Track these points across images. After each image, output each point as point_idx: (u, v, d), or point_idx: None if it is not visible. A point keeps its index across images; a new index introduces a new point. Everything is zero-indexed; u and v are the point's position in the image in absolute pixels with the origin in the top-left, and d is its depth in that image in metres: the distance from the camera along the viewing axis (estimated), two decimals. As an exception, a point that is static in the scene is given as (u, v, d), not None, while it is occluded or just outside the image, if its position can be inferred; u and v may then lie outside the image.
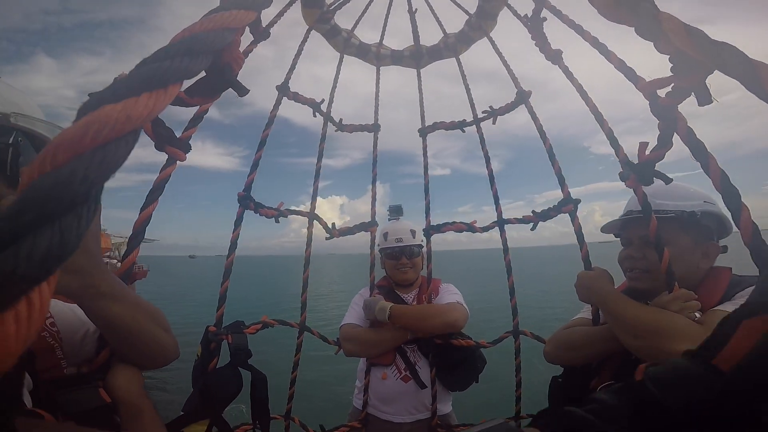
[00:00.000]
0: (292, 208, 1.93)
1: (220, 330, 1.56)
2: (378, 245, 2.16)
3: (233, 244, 1.62)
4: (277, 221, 1.82)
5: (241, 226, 1.68)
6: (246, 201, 1.68)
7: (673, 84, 0.86)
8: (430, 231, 2.03)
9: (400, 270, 2.08)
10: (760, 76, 0.53)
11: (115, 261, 22.63)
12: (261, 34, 1.59)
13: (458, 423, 1.99)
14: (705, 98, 0.80)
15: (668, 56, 0.80)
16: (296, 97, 2.01)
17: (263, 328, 1.69)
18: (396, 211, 2.29)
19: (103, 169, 0.28)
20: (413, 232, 2.14)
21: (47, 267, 0.24)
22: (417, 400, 1.91)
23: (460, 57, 2.25)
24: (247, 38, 1.56)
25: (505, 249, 1.99)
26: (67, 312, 0.90)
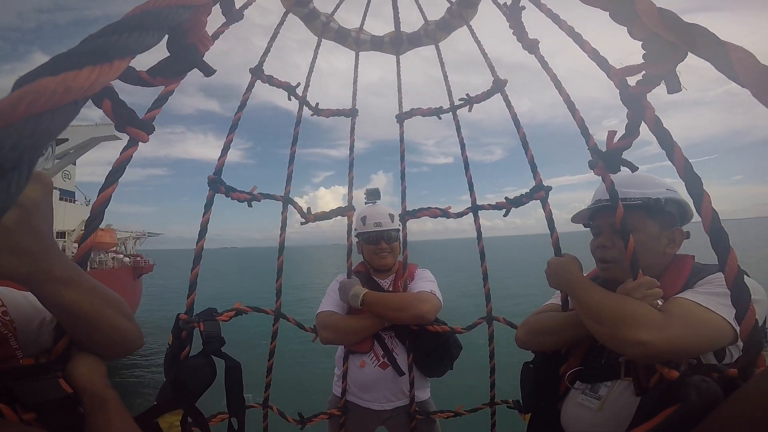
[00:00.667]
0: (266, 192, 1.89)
1: (191, 318, 1.52)
2: (355, 230, 2.14)
3: (203, 229, 1.58)
4: (249, 205, 1.77)
5: (212, 210, 1.64)
6: (216, 184, 1.64)
7: (643, 72, 0.87)
8: (405, 216, 2.03)
9: (379, 255, 2.07)
10: (731, 58, 0.54)
11: (122, 256, 21.89)
12: (233, 15, 1.52)
13: (436, 410, 2.02)
14: (675, 86, 0.82)
15: (641, 42, 0.81)
16: (270, 80, 1.96)
17: (236, 315, 1.66)
18: (373, 195, 2.26)
19: (37, 137, 0.29)
20: (392, 216, 2.13)
21: None
22: (396, 387, 1.92)
23: (440, 44, 2.23)
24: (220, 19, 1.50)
25: (479, 235, 2.02)
26: (20, 300, 0.85)
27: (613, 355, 1.20)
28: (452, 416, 1.99)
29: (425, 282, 2.00)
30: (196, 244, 1.55)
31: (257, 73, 1.91)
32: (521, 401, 1.70)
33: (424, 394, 2.03)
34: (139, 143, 1.00)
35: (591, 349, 1.30)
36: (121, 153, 1.01)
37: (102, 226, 1.02)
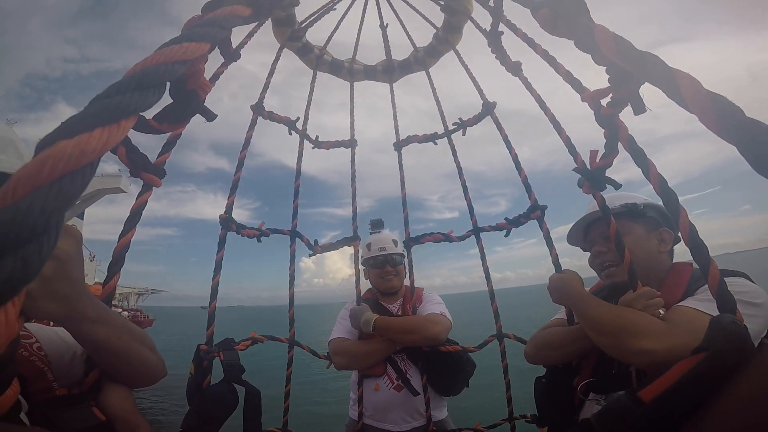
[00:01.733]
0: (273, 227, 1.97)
1: (211, 348, 1.58)
2: (362, 257, 2.21)
3: (218, 266, 1.65)
4: (259, 240, 1.85)
5: (225, 248, 1.72)
6: (227, 223, 1.72)
7: (611, 94, 0.92)
8: (410, 243, 2.08)
9: (384, 279, 2.13)
10: (679, 85, 0.57)
11: (120, 310, 22.19)
12: (231, 55, 1.61)
13: (454, 428, 2.02)
14: (639, 108, 0.87)
15: (605, 68, 0.86)
16: (271, 116, 2.05)
17: (253, 344, 1.72)
18: (377, 225, 2.34)
19: (60, 200, 0.31)
20: (395, 242, 2.21)
21: (11, 290, 0.28)
22: (412, 408, 1.93)
23: (430, 70, 2.31)
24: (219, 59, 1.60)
25: (483, 257, 2.05)
26: (52, 336, 0.93)
27: (623, 365, 1.21)
28: (472, 434, 1.98)
29: (434, 304, 2.02)
30: (212, 279, 1.63)
31: (258, 110, 2.01)
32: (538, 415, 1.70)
33: (441, 413, 2.03)
34: (153, 188, 1.06)
35: (601, 360, 1.31)
36: (136, 199, 1.06)
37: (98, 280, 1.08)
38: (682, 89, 0.58)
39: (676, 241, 1.33)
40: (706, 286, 1.12)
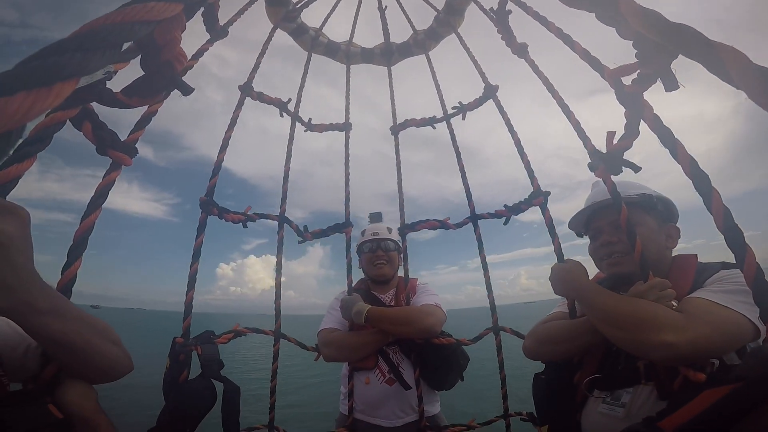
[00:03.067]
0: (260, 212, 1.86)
1: (188, 341, 1.49)
2: (356, 245, 2.15)
3: (196, 252, 1.55)
4: (244, 226, 1.75)
5: (204, 232, 1.61)
6: (208, 206, 1.62)
7: (638, 71, 0.85)
8: (405, 230, 2.01)
9: (375, 264, 2.07)
10: (721, 57, 0.51)
11: None
12: (218, 32, 1.51)
13: (447, 424, 1.96)
14: (672, 84, 0.79)
15: (631, 42, 0.79)
16: (261, 97, 1.95)
17: (235, 337, 1.63)
18: (375, 218, 2.30)
19: None
20: (389, 230, 2.16)
21: None
22: (404, 402, 1.87)
23: (430, 53, 2.23)
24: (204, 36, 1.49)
25: (480, 245, 1.98)
26: (3, 327, 0.85)
27: (630, 360, 1.16)
28: (464, 430, 1.92)
29: (429, 295, 1.96)
30: (190, 267, 1.52)
31: (246, 90, 1.90)
32: (535, 413, 1.64)
33: (433, 408, 1.97)
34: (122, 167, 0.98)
35: (606, 355, 1.25)
36: (103, 178, 0.98)
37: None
38: (728, 63, 0.51)
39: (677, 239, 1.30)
40: (718, 276, 1.10)
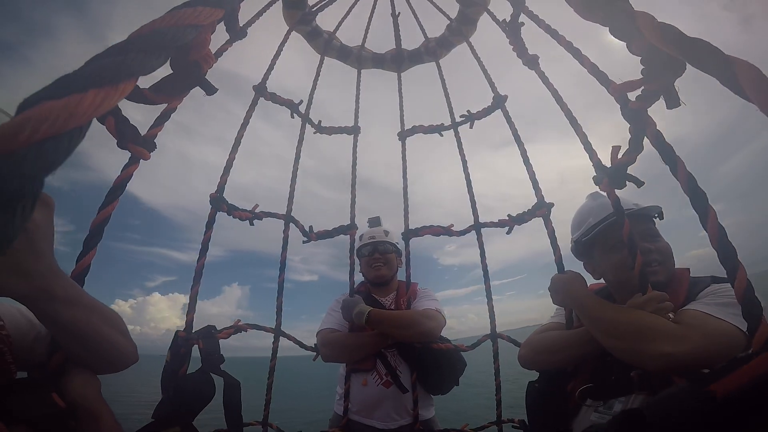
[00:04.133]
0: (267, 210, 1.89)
1: (190, 335, 1.50)
2: (356, 250, 2.16)
3: (204, 247, 1.58)
4: (251, 224, 1.77)
5: (213, 228, 1.63)
6: (218, 203, 1.64)
7: (643, 87, 0.87)
8: (408, 235, 2.03)
9: (373, 267, 2.09)
10: (737, 72, 0.52)
11: None
12: (237, 33, 1.55)
13: (441, 428, 1.97)
14: (673, 101, 0.81)
15: (640, 58, 0.81)
16: (274, 98, 1.98)
17: (236, 333, 1.64)
18: (374, 222, 2.32)
19: (41, 165, 0.28)
20: (386, 233, 2.19)
21: None
22: (399, 405, 1.88)
23: (440, 61, 2.26)
24: (223, 37, 1.53)
25: (482, 253, 2.00)
26: (15, 314, 0.86)
27: (623, 370, 1.17)
28: (458, 435, 1.93)
29: (429, 300, 1.97)
30: (197, 261, 1.55)
31: (260, 90, 1.93)
32: (527, 421, 1.65)
33: (428, 412, 1.98)
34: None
35: (599, 365, 1.26)
36: (122, 170, 1.02)
37: None
38: (740, 77, 0.53)
39: None
40: (710, 290, 1.13)
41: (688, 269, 1.27)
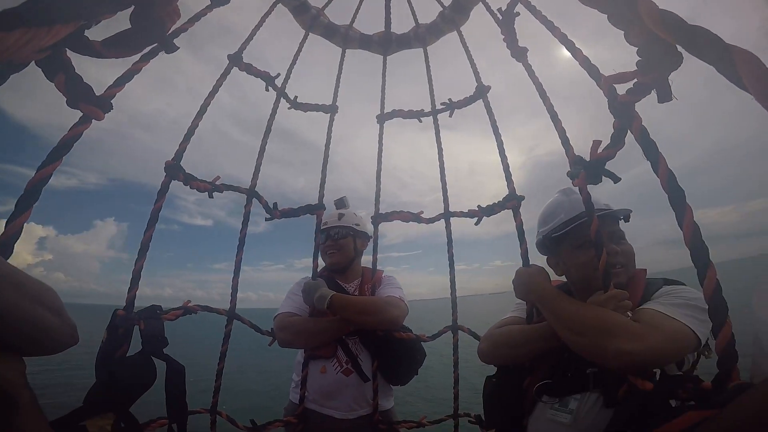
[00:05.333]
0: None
1: (130, 314, 1.38)
2: None
3: (153, 217, 1.45)
4: (210, 196, 1.64)
5: (166, 196, 1.49)
6: (174, 171, 1.51)
7: (635, 80, 0.86)
8: (378, 219, 1.97)
9: (326, 253, 2.02)
10: (735, 61, 0.50)
11: None
12: None
13: (399, 420, 1.95)
14: (666, 95, 0.80)
15: (637, 49, 0.79)
16: (249, 69, 1.88)
17: (185, 314, 1.52)
18: (339, 204, 2.23)
19: None
20: (340, 215, 2.09)
21: None
22: (359, 394, 1.83)
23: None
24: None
25: (449, 242, 1.99)
26: None
27: (579, 367, 1.18)
28: (415, 427, 1.93)
29: (394, 288, 1.93)
30: (144, 233, 1.41)
31: (236, 60, 1.81)
32: (483, 416, 1.65)
33: (387, 403, 1.95)
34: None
35: (557, 361, 1.27)
36: (69, 129, 0.95)
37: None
38: (739, 66, 0.51)
39: None
40: (666, 290, 1.15)
41: (645, 270, 1.30)
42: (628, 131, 0.92)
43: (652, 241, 47.16)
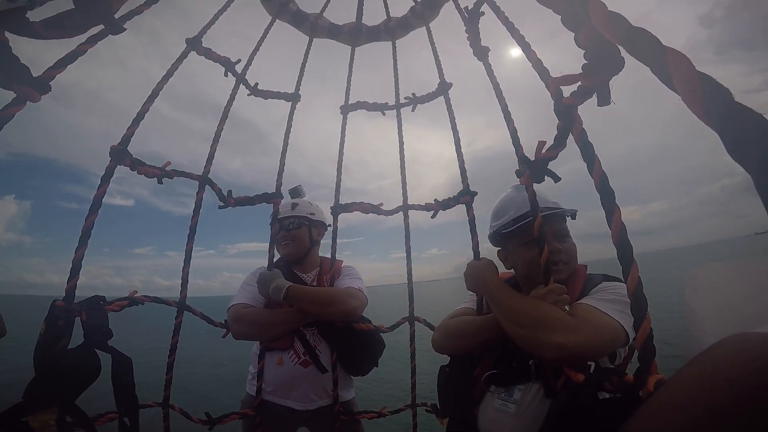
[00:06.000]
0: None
1: (71, 305, 1.30)
2: None
3: (96, 203, 1.36)
4: (160, 182, 1.56)
5: (110, 182, 1.41)
6: (120, 155, 1.42)
7: (579, 83, 0.89)
8: (338, 210, 1.96)
9: (280, 244, 1.99)
10: (668, 62, 0.52)
11: None
12: None
13: (360, 410, 1.97)
14: (605, 99, 0.84)
15: (584, 51, 0.82)
16: (208, 53, 1.79)
17: (131, 305, 1.45)
18: (294, 193, 2.19)
19: None
20: (293, 205, 2.06)
21: None
22: (318, 385, 1.83)
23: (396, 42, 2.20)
24: None
25: (407, 234, 2.02)
26: None
27: (523, 359, 1.24)
28: (376, 417, 1.96)
29: (353, 279, 1.93)
30: (86, 219, 1.33)
31: (194, 44, 1.72)
32: (438, 405, 1.70)
33: (348, 393, 1.96)
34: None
35: (503, 352, 1.32)
36: (0, 110, 0.91)
37: None
38: (671, 67, 0.54)
39: None
40: (601, 287, 1.21)
41: (585, 266, 1.36)
42: (570, 133, 0.95)
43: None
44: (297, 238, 1.99)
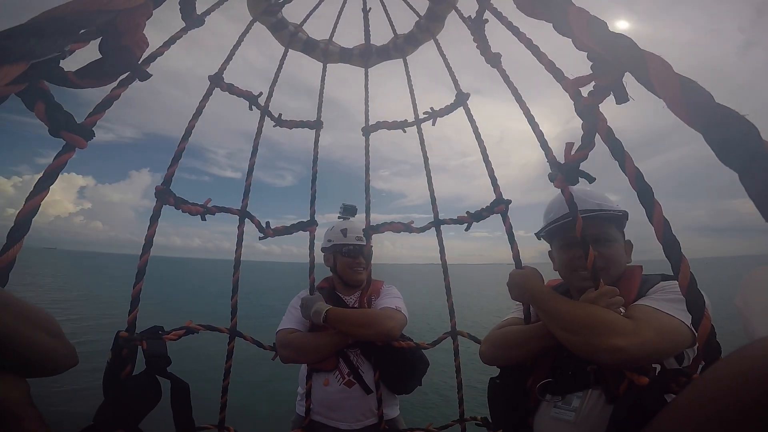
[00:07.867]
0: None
1: (132, 335, 1.41)
2: (330, 240, 2.09)
3: (148, 243, 1.47)
4: (203, 219, 1.68)
5: (158, 222, 1.52)
6: (164, 195, 1.53)
7: (593, 83, 0.88)
8: (370, 231, 1.99)
9: (355, 270, 2.02)
10: (648, 67, 0.53)
11: None
12: (194, 20, 1.48)
13: (406, 428, 1.95)
14: (622, 97, 0.82)
15: (586, 53, 0.81)
16: (231, 89, 1.89)
17: (187, 334, 1.55)
18: (349, 211, 2.22)
19: None
20: (360, 233, 2.09)
21: None
22: (364, 405, 1.84)
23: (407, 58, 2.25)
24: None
25: (441, 249, 2.00)
26: None
27: (580, 365, 1.19)
28: (422, 434, 1.92)
29: (391, 298, 1.94)
30: (140, 258, 1.44)
31: (216, 80, 1.84)
32: (489, 418, 1.65)
33: (393, 411, 1.95)
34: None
35: (557, 360, 1.28)
36: (54, 159, 0.98)
37: None
38: (651, 72, 0.54)
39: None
40: (659, 286, 1.16)
41: (641, 267, 1.30)
42: (596, 133, 0.94)
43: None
44: (368, 267, 2.03)
